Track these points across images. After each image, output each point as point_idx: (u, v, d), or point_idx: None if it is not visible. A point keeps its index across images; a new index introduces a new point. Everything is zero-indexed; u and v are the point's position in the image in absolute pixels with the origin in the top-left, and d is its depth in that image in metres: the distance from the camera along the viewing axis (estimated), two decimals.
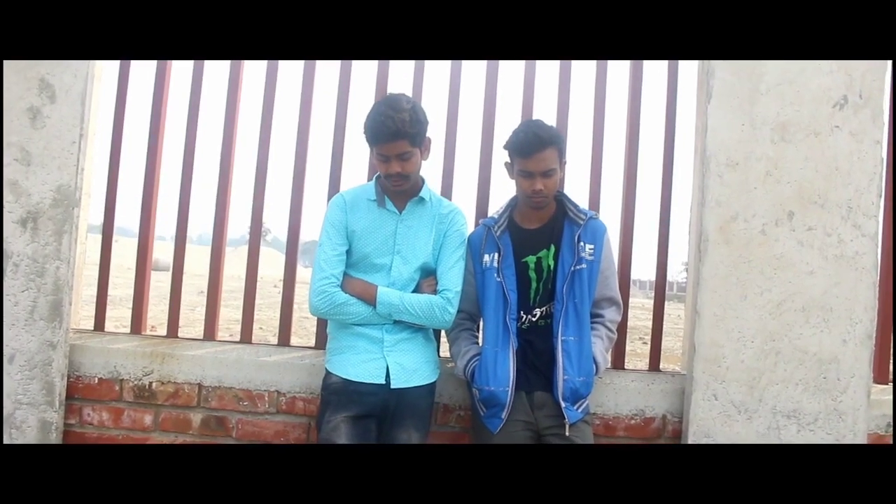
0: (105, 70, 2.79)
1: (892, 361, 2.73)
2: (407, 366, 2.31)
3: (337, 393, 2.28)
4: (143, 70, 2.85)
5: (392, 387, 2.27)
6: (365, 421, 2.25)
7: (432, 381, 2.38)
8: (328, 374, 2.34)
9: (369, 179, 2.52)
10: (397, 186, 2.28)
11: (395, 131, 2.17)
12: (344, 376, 2.28)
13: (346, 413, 2.24)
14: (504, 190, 2.49)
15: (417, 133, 2.22)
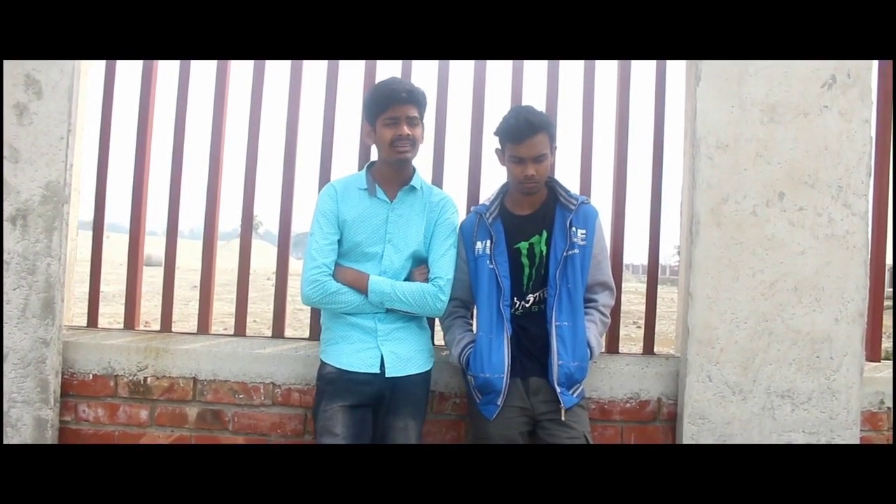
0: (92, 65, 2.77)
1: (893, 340, 2.75)
2: (402, 355, 2.31)
3: (332, 382, 2.28)
4: (130, 64, 2.83)
5: (387, 375, 2.27)
6: (361, 410, 2.26)
7: (427, 369, 2.39)
8: (323, 364, 2.34)
9: (360, 170, 2.51)
10: (403, 153, 2.26)
11: (410, 92, 2.24)
12: (338, 366, 2.28)
13: (343, 402, 2.24)
14: (495, 177, 2.49)
15: (422, 105, 2.29)
